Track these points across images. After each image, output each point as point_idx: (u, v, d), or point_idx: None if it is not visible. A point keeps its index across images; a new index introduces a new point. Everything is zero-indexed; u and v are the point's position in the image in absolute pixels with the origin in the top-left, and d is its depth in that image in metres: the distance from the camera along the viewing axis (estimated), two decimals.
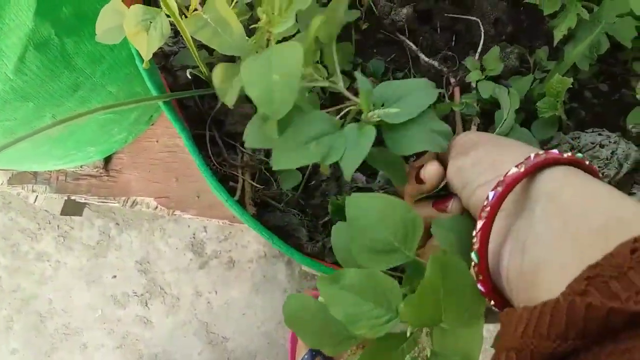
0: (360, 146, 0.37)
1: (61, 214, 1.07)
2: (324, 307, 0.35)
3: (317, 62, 0.46)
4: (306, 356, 1.15)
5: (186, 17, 0.45)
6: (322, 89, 0.59)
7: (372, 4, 0.62)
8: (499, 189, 0.32)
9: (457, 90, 0.51)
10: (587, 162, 0.33)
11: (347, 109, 0.42)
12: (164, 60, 0.61)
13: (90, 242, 1.36)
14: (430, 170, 0.41)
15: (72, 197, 0.97)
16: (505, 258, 0.32)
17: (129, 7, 0.44)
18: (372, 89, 0.41)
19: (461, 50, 0.64)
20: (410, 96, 0.41)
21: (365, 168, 0.57)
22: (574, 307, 0.22)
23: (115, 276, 1.35)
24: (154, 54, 0.46)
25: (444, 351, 0.32)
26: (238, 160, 0.61)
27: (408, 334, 0.33)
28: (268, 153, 0.62)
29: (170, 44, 0.61)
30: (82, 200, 0.98)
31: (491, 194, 0.32)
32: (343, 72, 0.61)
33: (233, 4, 0.45)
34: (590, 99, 0.62)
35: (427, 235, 0.40)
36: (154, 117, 0.91)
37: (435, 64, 0.61)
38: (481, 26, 0.61)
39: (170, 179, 0.91)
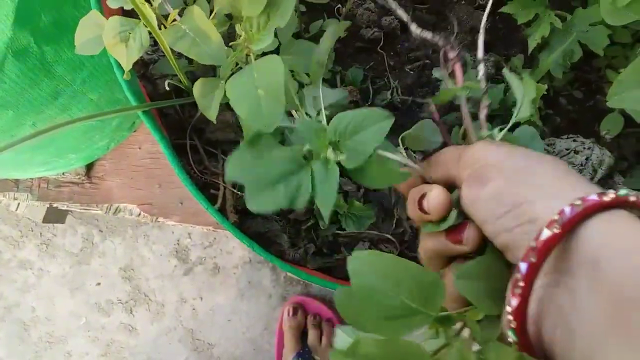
0: (330, 184, 0.35)
1: (43, 222, 1.06)
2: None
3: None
4: None
5: (165, 27, 0.45)
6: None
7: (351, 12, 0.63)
8: (532, 259, 0.27)
9: (458, 67, 0.44)
10: (633, 199, 0.27)
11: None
12: (143, 69, 0.61)
13: (73, 249, 1.35)
14: (433, 201, 0.35)
15: (55, 205, 0.96)
16: (548, 332, 0.28)
17: (107, 18, 0.45)
18: (324, 128, 0.38)
19: (438, 58, 0.64)
20: (365, 131, 0.37)
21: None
22: None
23: (99, 283, 1.34)
24: (133, 63, 0.46)
25: None
26: (219, 167, 0.61)
27: None
28: None
29: (149, 52, 0.61)
30: (65, 208, 0.98)
31: (523, 266, 0.27)
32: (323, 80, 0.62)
33: (212, 15, 0.46)
34: (565, 105, 0.63)
35: (444, 264, 0.36)
36: (136, 124, 0.91)
37: (429, 36, 0.58)
38: (457, 34, 0.62)
39: (153, 185, 0.91)
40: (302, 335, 1.20)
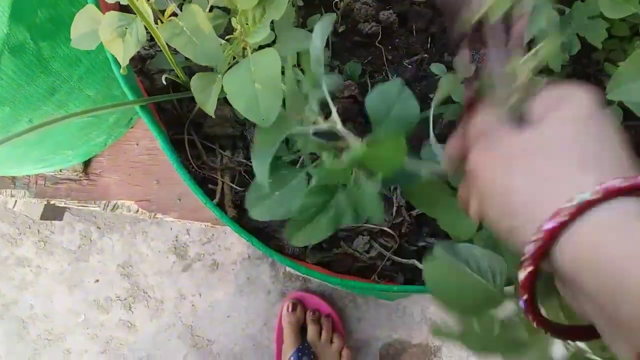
0: (371, 199, 0.36)
1: (41, 219, 1.05)
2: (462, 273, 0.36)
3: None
4: (292, 357, 1.15)
5: (162, 22, 0.45)
6: None
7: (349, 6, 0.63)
8: (539, 242, 0.27)
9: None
10: None
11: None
12: (140, 64, 0.61)
13: (71, 246, 1.34)
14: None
15: (52, 202, 0.96)
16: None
17: (104, 14, 0.44)
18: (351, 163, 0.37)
19: (437, 52, 0.64)
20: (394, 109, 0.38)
21: None
22: None
23: (97, 280, 1.34)
24: (131, 58, 0.46)
25: None
26: (217, 162, 0.61)
27: None
28: (247, 155, 0.62)
29: (146, 47, 0.61)
30: (62, 205, 0.97)
31: (530, 247, 0.27)
32: None
33: (208, 6, 0.46)
34: None
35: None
36: (134, 120, 0.90)
37: None
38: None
39: (151, 181, 0.91)
40: (301, 330, 1.20)
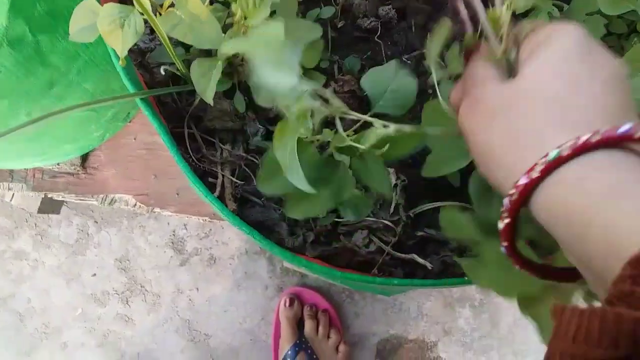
0: (378, 174, 0.37)
1: (38, 212, 1.05)
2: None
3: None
4: (289, 352, 1.15)
5: (161, 14, 0.45)
6: None
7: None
8: (514, 197, 0.28)
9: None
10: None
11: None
12: (140, 57, 0.61)
13: (68, 240, 1.34)
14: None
15: (49, 195, 0.96)
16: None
17: (103, 6, 0.44)
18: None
19: None
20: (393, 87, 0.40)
21: None
22: (621, 319, 0.21)
23: (94, 274, 1.34)
24: (130, 51, 0.46)
25: None
26: (217, 156, 0.61)
27: None
28: (247, 149, 0.62)
29: (146, 40, 0.61)
30: (60, 198, 0.97)
31: (506, 201, 0.29)
32: (318, 69, 0.62)
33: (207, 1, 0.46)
34: None
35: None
36: (132, 114, 0.90)
37: None
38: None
39: (149, 176, 0.91)
40: (298, 325, 1.20)
